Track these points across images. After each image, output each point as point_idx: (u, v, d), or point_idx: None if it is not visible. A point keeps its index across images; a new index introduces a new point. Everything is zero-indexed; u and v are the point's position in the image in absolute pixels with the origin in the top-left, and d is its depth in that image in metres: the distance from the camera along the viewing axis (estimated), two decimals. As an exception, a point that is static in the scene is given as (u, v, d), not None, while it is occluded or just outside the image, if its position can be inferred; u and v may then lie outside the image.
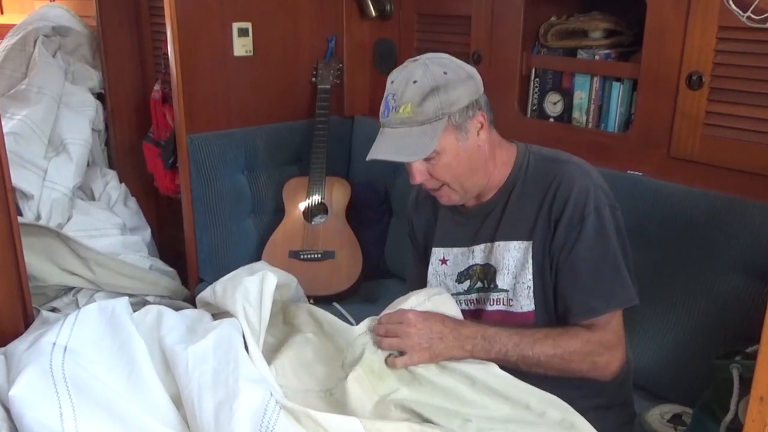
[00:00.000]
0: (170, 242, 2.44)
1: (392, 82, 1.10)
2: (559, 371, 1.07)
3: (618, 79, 1.60)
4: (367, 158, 1.10)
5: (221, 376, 0.97)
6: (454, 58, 1.12)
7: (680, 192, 1.41)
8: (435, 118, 1.06)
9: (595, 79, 1.64)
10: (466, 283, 1.21)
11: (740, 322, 1.28)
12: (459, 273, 1.22)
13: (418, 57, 1.12)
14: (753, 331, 1.18)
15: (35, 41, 2.36)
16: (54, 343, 1.04)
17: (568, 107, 1.71)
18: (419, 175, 1.11)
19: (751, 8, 1.18)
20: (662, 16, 1.44)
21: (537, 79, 1.77)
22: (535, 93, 1.78)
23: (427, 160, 1.09)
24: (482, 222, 1.19)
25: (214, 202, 2.00)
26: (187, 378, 0.99)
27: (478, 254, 1.19)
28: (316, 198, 1.98)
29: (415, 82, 1.06)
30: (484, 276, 1.19)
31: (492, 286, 1.18)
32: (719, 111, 1.41)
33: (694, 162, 1.45)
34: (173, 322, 1.14)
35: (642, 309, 1.39)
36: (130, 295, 1.99)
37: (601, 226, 1.09)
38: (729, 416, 1.01)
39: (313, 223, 1.99)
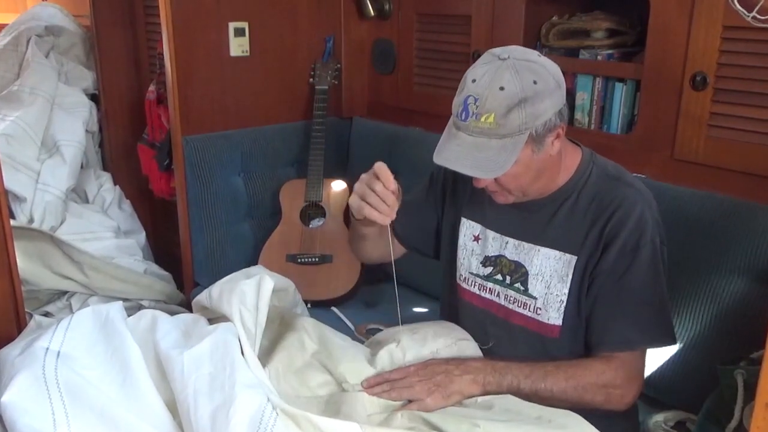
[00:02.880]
0: (165, 246, 2.43)
1: (474, 81, 1.00)
2: (573, 403, 1.05)
3: (621, 80, 1.58)
4: (436, 161, 1.02)
5: (217, 381, 0.96)
6: (544, 60, 1.03)
7: (684, 194, 1.39)
8: (517, 133, 0.99)
9: (598, 79, 1.62)
10: (489, 269, 1.19)
11: (745, 327, 1.26)
12: (486, 257, 1.19)
13: (503, 52, 1.01)
14: (758, 336, 1.18)
15: (28, 41, 2.35)
16: (47, 348, 1.04)
17: (570, 108, 1.69)
18: (484, 182, 1.06)
19: (757, 8, 1.17)
20: (666, 16, 1.43)
21: (538, 80, 1.75)
22: (537, 94, 1.76)
23: None
24: (526, 218, 1.14)
25: (210, 204, 1.98)
26: (182, 383, 0.98)
27: (510, 247, 1.16)
28: (313, 200, 1.96)
29: (502, 89, 0.97)
30: (510, 272, 1.16)
31: (520, 287, 1.15)
32: (724, 112, 1.39)
33: (699, 164, 1.44)
34: (168, 326, 1.12)
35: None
36: (124, 300, 1.98)
37: (655, 260, 1.07)
38: (733, 423, 1.00)
39: (310, 226, 1.97)
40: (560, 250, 1.11)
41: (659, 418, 1.30)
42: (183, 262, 2.05)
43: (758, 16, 1.17)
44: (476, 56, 1.81)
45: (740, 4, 1.18)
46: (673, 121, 1.46)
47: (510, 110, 0.97)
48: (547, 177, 1.10)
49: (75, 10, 2.49)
